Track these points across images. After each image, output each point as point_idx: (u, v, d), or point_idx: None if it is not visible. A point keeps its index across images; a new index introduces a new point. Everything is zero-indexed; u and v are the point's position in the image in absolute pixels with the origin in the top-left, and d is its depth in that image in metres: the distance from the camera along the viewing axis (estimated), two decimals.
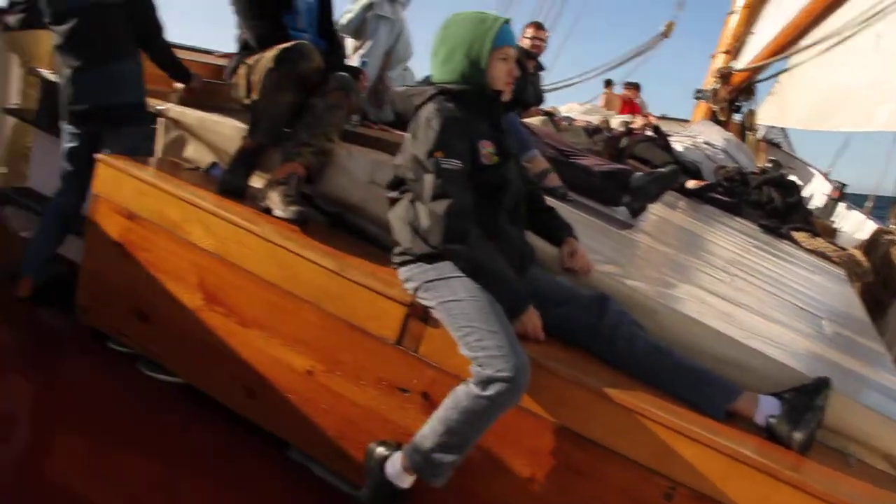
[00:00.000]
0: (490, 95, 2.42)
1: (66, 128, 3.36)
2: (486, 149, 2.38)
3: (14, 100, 4.50)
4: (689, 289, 3.23)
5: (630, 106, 11.10)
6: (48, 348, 3.08)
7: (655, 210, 5.00)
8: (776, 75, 10.16)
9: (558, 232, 2.69)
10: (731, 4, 10.22)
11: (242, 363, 2.68)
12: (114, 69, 3.22)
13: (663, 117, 11.29)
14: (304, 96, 3.07)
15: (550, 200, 3.39)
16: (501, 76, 2.41)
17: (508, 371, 2.04)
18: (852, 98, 8.91)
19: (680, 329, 2.55)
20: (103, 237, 2.97)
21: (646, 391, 2.25)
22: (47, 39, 4.20)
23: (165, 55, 3.43)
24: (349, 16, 4.21)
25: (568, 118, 6.92)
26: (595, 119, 7.13)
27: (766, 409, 2.24)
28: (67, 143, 3.37)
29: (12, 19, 4.40)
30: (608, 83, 12.10)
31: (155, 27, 3.35)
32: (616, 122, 7.78)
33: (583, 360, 2.34)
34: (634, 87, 11.75)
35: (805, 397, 2.24)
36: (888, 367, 3.23)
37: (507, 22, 2.42)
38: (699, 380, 2.29)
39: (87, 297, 3.09)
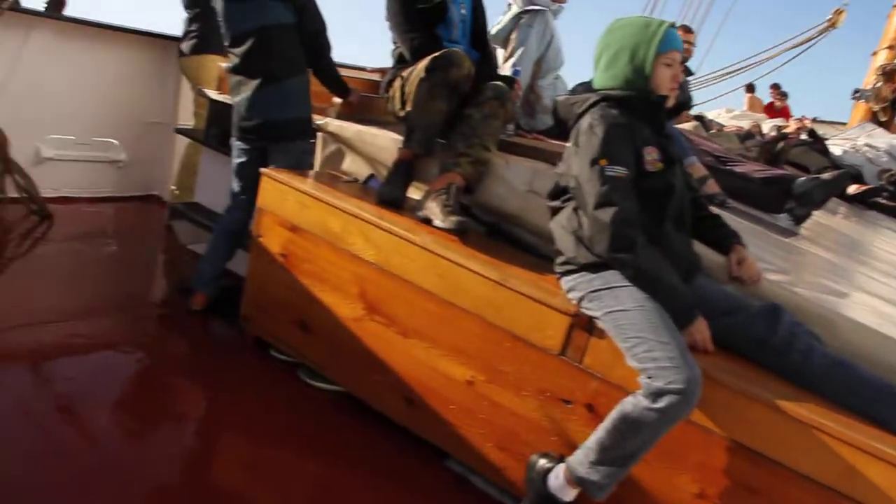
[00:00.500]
0: (655, 101, 2.36)
1: (236, 144, 3.52)
2: (651, 155, 2.31)
3: (186, 121, 4.79)
4: (862, 297, 3.02)
5: (776, 112, 10.55)
6: (216, 357, 3.21)
7: (816, 216, 4.72)
8: None
9: (725, 239, 2.57)
10: None
11: (402, 373, 2.70)
12: (285, 86, 3.34)
13: (816, 120, 10.72)
14: (456, 105, 3.08)
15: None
16: (666, 81, 2.35)
17: (680, 383, 1.96)
18: None
19: (859, 340, 2.38)
20: (267, 249, 3.08)
21: (826, 407, 2.10)
22: (214, 64, 4.48)
23: (330, 72, 3.52)
24: (499, 26, 4.21)
25: (717, 123, 6.68)
26: (745, 124, 6.85)
27: None
28: (237, 159, 3.53)
29: (185, 46, 4.70)
30: (750, 87, 11.58)
31: (324, 45, 3.44)
32: (768, 126, 7.44)
33: (755, 373, 2.22)
34: (780, 91, 11.17)
35: None
36: None
37: (672, 26, 2.36)
38: (883, 395, 2.12)
39: (251, 308, 3.21)
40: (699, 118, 6.03)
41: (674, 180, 2.36)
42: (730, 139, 5.76)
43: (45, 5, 4.63)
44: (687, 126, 5.30)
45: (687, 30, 5.39)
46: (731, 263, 2.51)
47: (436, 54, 3.04)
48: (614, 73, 2.36)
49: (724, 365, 2.18)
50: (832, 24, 9.77)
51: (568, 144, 2.39)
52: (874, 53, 9.63)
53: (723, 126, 6.51)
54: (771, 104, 10.90)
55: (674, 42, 2.34)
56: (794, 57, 10.13)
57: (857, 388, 2.14)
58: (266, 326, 3.16)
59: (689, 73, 5.54)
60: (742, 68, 10.48)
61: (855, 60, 9.81)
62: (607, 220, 2.16)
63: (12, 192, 4.47)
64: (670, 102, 2.41)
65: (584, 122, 2.32)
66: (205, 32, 4.71)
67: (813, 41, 9.81)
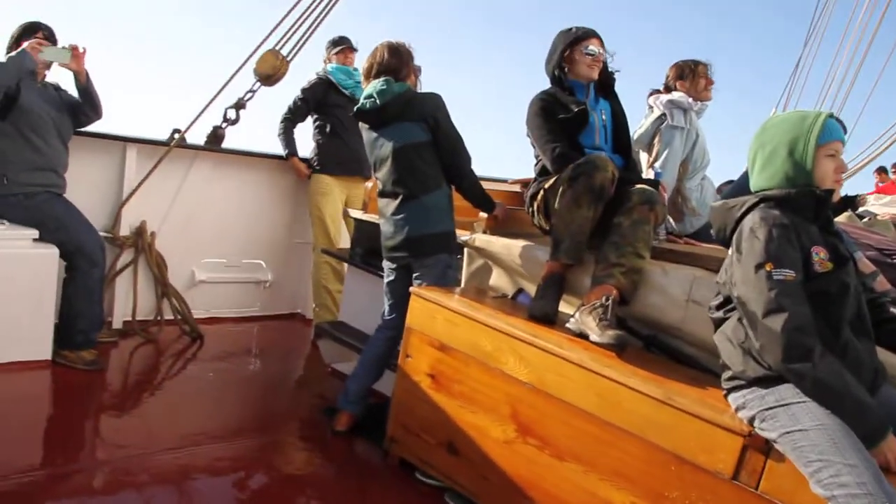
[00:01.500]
0: (820, 196, 2.21)
1: (385, 264, 3.58)
2: (820, 255, 2.14)
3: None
4: None
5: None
6: (360, 479, 3.14)
7: None
8: None
9: None
10: None
11: (557, 498, 2.55)
12: (424, 202, 3.37)
13: None
14: (602, 211, 3.00)
15: None
16: (830, 174, 2.22)
17: None
18: None
19: None
20: (415, 369, 3.03)
21: None
22: (360, 185, 4.66)
23: (473, 187, 3.53)
24: (641, 130, 4.15)
25: (868, 212, 6.26)
26: None
27: None
28: (386, 279, 3.58)
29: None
30: (881, 171, 10.93)
31: (462, 161, 3.47)
32: None
33: None
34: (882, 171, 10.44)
35: None
36: None
37: (831, 116, 2.24)
38: None
39: (397, 429, 3.14)
40: (851, 206, 5.62)
41: (847, 280, 2.17)
42: (886, 228, 5.34)
43: (206, 139, 4.96)
44: (841, 218, 4.97)
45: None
46: None
47: (578, 161, 3.00)
48: (772, 172, 2.26)
49: None
50: None
51: (729, 251, 2.25)
52: None
53: (875, 214, 6.08)
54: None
55: (835, 132, 2.23)
56: None
57: None
58: (412, 448, 3.08)
59: None
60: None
61: None
62: (778, 328, 1.99)
63: (168, 315, 4.70)
64: (837, 196, 2.27)
65: (745, 226, 2.19)
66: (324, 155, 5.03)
67: None
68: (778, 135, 2.26)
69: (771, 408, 2.05)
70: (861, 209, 6.46)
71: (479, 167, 3.61)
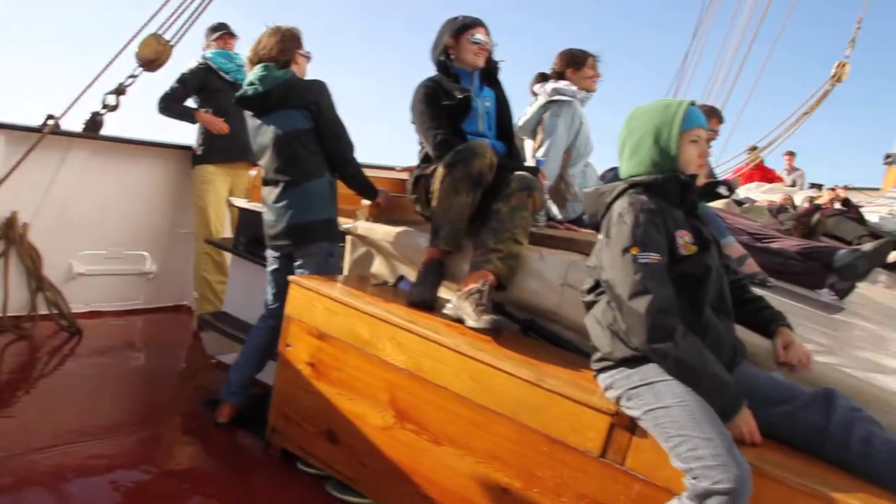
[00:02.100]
0: (684, 181, 2.30)
1: (268, 253, 3.53)
2: (684, 238, 2.23)
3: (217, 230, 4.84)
4: None
5: (760, 172, 10.24)
6: (241, 472, 3.07)
7: (856, 288, 4.54)
8: None
9: (770, 322, 2.43)
10: None
11: (435, 483, 2.57)
12: (306, 189, 3.33)
13: (848, 188, 10.56)
14: (481, 197, 3.04)
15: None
16: (693, 159, 2.31)
17: (728, 482, 1.82)
18: None
19: None
20: (295, 359, 2.99)
21: (891, 499, 1.92)
22: (245, 173, 4.55)
23: (355, 175, 3.50)
24: (526, 117, 4.20)
25: (748, 199, 6.56)
26: (776, 197, 6.73)
27: None
28: (269, 267, 3.53)
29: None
30: (790, 154, 11.47)
31: (344, 149, 3.43)
32: (800, 198, 7.30)
33: (811, 465, 2.05)
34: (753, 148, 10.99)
35: None
36: None
37: (692, 104, 2.33)
38: None
39: (278, 419, 3.10)
40: (725, 190, 5.87)
41: (710, 262, 2.26)
42: (762, 214, 5.63)
43: (84, 126, 4.73)
44: (719, 204, 5.19)
45: (719, 119, 5.39)
46: (778, 348, 2.37)
47: (458, 147, 3.02)
48: (640, 159, 2.33)
49: (776, 458, 2.03)
50: (837, 79, 9.52)
51: (600, 235, 2.31)
52: None
53: (754, 201, 6.39)
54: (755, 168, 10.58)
55: (697, 119, 2.32)
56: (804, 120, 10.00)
57: None
58: (294, 438, 3.04)
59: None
60: (765, 146, 10.48)
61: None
62: (643, 310, 2.06)
63: (44, 310, 4.49)
64: (700, 180, 2.36)
65: (614, 211, 2.26)
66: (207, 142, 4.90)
67: (822, 100, 9.63)
68: (644, 123, 2.33)
69: (636, 387, 2.11)
70: (743, 196, 6.76)
71: (369, 157, 3.59)
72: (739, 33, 11.37)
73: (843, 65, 9.47)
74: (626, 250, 2.14)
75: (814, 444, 2.12)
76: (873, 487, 1.97)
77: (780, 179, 10.13)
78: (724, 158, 10.22)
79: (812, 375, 2.35)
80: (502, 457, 2.41)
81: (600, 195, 2.38)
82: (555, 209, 3.83)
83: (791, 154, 11.36)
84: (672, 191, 2.30)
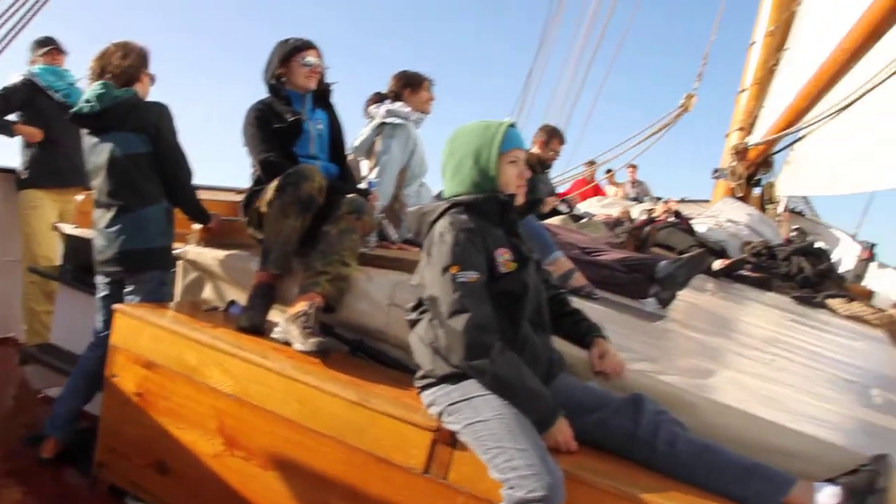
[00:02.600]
0: (503, 201, 2.40)
1: (97, 279, 3.40)
2: (503, 256, 2.33)
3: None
4: (728, 375, 3.10)
5: (592, 190, 10.91)
6: None
7: (684, 296, 4.87)
8: (790, 145, 10.10)
9: (587, 334, 2.57)
10: (741, 83, 10.32)
11: None
12: (140, 215, 3.25)
13: (683, 200, 11.27)
14: (311, 220, 3.06)
15: (579, 301, 3.32)
16: (513, 179, 2.41)
17: (541, 490, 1.92)
18: (865, 158, 8.83)
19: (722, 421, 2.41)
20: (121, 389, 2.91)
21: (694, 495, 2.10)
22: (71, 198, 4.35)
23: (189, 201, 3.44)
24: (362, 137, 4.25)
25: (588, 214, 6.89)
26: (615, 211, 7.12)
27: (824, 498, 2.06)
28: (98, 294, 3.40)
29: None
30: (608, 171, 12.12)
31: (181, 174, 3.37)
32: (637, 211, 7.74)
33: (622, 469, 2.20)
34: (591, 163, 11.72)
35: (864, 480, 2.07)
36: None
37: (512, 125, 2.43)
38: (748, 475, 2.13)
39: (105, 453, 2.99)
40: (568, 210, 6.17)
41: (527, 279, 2.37)
42: (597, 228, 5.94)
43: None
44: (556, 220, 5.45)
45: (560, 140, 5.66)
46: (594, 357, 2.51)
47: (287, 171, 3.03)
48: (461, 179, 2.40)
49: (589, 464, 2.16)
50: (685, 109, 10.40)
51: (423, 254, 2.38)
52: (727, 135, 10.31)
53: (593, 215, 6.73)
54: (583, 180, 11.25)
55: (515, 140, 2.41)
56: (653, 143, 10.74)
57: (723, 472, 2.14)
58: (122, 472, 2.94)
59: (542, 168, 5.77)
60: (606, 161, 11.13)
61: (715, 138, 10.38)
62: (461, 328, 2.14)
63: None
64: (519, 200, 2.45)
65: (436, 230, 2.32)
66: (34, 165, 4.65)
67: (669, 126, 10.42)
68: (464, 144, 2.41)
69: (456, 402, 2.19)
70: (583, 210, 7.10)
71: (219, 178, 3.53)
72: (577, 56, 12.08)
73: (691, 96, 10.29)
74: (445, 269, 2.21)
75: (625, 448, 2.26)
76: (679, 485, 2.13)
77: (603, 193, 10.75)
78: (565, 170, 10.78)
79: (626, 383, 2.50)
80: (331, 478, 2.43)
81: (423, 214, 2.45)
82: (390, 230, 3.91)
83: (633, 167, 12.02)
84: (492, 210, 2.39)
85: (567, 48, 12.66)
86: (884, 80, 6.58)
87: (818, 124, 8.69)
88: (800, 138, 9.72)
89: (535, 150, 5.67)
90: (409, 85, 4.35)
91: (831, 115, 7.87)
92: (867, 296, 8.11)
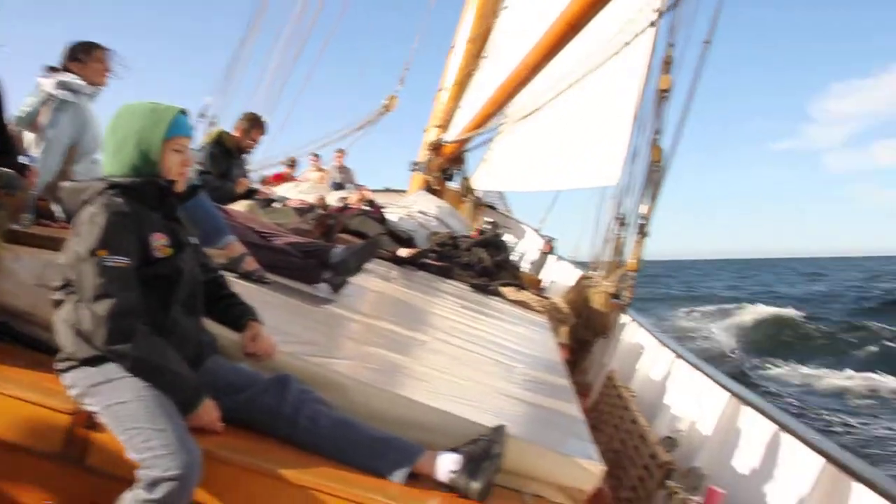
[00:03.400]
0: (162, 186, 2.39)
1: None
2: (160, 241, 2.34)
3: None
4: (385, 357, 3.31)
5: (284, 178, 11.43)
6: None
7: (369, 283, 5.13)
8: (481, 145, 11.01)
9: (241, 317, 2.65)
10: (441, 82, 10.98)
11: None
12: None
13: (387, 190, 11.76)
14: None
15: (244, 285, 3.39)
16: (175, 166, 2.40)
17: (176, 468, 1.98)
18: (549, 161, 9.89)
19: (367, 399, 2.61)
20: None
21: (331, 467, 2.26)
22: None
23: None
24: (28, 108, 3.97)
25: (283, 199, 6.94)
26: (311, 198, 7.24)
27: (447, 465, 2.33)
28: None
29: None
30: (315, 155, 12.52)
31: None
32: (333, 198, 7.94)
33: (264, 446, 2.32)
34: (292, 164, 12.25)
35: (482, 447, 2.36)
36: (569, 401, 3.53)
37: (181, 112, 2.42)
38: (381, 447, 2.35)
39: None
40: (252, 192, 6.15)
41: (182, 265, 2.40)
42: (287, 214, 6.00)
43: None
44: (241, 205, 5.43)
45: (261, 129, 5.70)
46: (246, 340, 2.60)
47: None
48: (121, 160, 2.36)
49: (232, 443, 2.25)
50: (387, 108, 11.04)
51: (72, 233, 2.31)
52: (426, 130, 10.93)
53: (287, 200, 6.80)
54: (282, 175, 11.74)
55: (182, 128, 2.41)
56: (355, 140, 11.39)
57: (359, 444, 2.34)
58: None
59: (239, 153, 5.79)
60: (311, 153, 11.48)
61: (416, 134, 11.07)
62: (104, 313, 2.13)
63: None
64: (179, 187, 2.45)
65: (87, 210, 2.26)
66: None
67: (372, 122, 11.01)
68: (128, 124, 2.36)
69: (97, 384, 2.17)
70: (279, 195, 7.14)
71: None
72: (282, 46, 12.31)
73: (393, 98, 10.90)
74: (93, 252, 2.18)
75: (269, 426, 2.38)
76: (318, 459, 2.28)
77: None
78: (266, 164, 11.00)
79: (277, 364, 2.62)
80: None
81: (77, 192, 2.36)
82: (55, 207, 3.71)
83: (341, 151, 12.33)
84: (150, 194, 2.37)
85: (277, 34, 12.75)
86: (557, 95, 7.47)
87: (502, 128, 9.59)
88: (490, 139, 10.63)
89: (236, 135, 5.70)
90: (79, 55, 4.14)
91: (516, 120, 8.72)
92: (537, 285, 9.05)
